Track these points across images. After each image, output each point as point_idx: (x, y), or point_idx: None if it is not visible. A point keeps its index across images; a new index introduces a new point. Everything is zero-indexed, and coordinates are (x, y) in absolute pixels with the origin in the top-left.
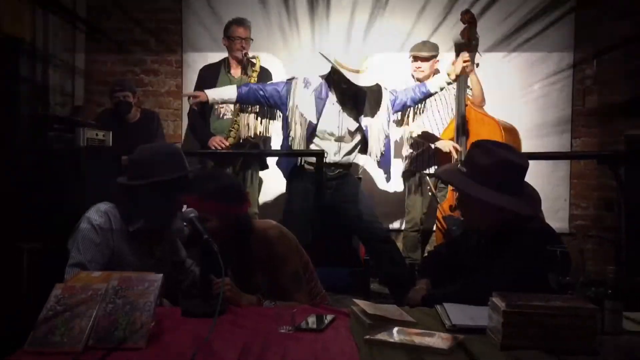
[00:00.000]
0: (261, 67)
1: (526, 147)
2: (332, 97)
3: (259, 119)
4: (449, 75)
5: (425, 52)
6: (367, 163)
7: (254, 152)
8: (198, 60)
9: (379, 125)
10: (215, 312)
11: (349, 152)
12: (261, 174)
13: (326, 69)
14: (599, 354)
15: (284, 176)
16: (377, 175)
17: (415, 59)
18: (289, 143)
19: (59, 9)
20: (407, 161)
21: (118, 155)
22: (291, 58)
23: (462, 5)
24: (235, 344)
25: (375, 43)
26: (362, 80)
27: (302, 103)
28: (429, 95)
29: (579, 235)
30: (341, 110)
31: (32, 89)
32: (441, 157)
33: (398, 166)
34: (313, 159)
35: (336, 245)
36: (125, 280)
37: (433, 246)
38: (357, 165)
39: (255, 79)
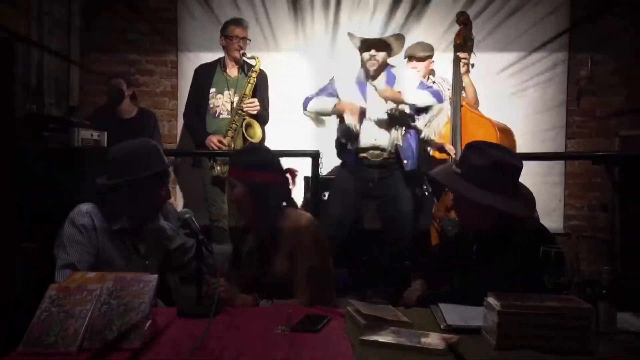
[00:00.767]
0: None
1: (521, 147)
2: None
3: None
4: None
5: (421, 53)
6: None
7: None
8: (193, 60)
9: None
10: (211, 313)
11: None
12: None
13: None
14: (594, 354)
15: (347, 166)
16: None
17: (411, 59)
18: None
19: (54, 9)
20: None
21: None
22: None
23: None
24: (231, 345)
25: None
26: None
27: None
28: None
29: (573, 235)
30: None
31: (27, 88)
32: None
33: None
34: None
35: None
36: (120, 280)
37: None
38: None
39: (255, 80)
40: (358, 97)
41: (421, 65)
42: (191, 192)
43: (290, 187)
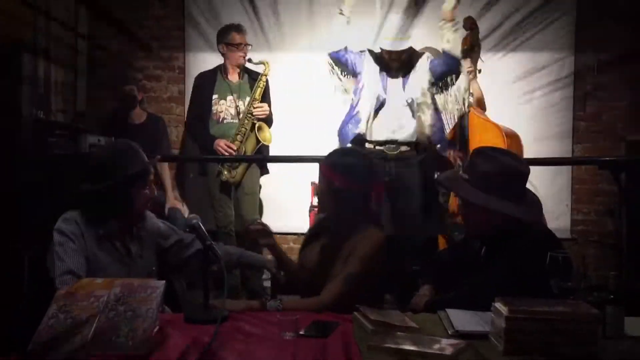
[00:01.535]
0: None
1: (528, 152)
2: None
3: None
4: None
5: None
6: None
7: (257, 158)
8: (200, 66)
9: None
10: (218, 319)
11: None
12: (261, 179)
13: None
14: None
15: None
16: None
17: None
18: (354, 112)
19: (61, 14)
20: None
21: None
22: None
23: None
24: (238, 351)
25: None
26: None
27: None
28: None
29: (580, 240)
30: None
31: (34, 94)
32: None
33: None
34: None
35: None
36: (127, 286)
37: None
38: None
39: (264, 84)
40: (378, 86)
41: None
42: (198, 201)
43: (372, 203)
